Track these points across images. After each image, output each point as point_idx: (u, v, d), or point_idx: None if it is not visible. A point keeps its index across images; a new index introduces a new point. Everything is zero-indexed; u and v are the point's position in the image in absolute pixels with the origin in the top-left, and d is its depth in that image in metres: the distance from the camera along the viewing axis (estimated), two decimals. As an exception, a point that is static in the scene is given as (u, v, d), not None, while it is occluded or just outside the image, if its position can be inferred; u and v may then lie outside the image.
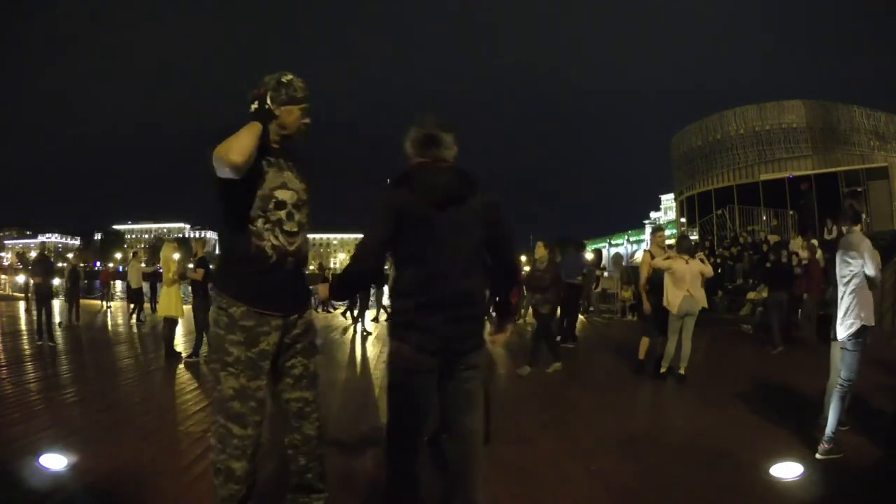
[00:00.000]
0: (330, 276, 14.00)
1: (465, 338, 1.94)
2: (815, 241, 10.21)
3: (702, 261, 5.82)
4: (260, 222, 2.01)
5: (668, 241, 6.44)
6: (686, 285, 5.59)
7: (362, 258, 1.90)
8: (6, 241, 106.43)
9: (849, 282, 3.36)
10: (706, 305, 5.82)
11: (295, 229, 2.09)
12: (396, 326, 1.93)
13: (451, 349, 1.90)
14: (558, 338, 8.40)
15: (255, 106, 2.02)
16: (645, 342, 6.14)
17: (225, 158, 1.82)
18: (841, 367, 3.39)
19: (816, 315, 8.50)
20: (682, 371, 5.64)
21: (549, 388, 5.52)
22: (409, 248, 1.89)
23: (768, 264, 9.35)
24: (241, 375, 1.98)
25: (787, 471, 2.99)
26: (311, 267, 23.45)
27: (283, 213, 2.06)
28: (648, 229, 52.96)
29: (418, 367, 1.87)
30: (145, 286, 13.42)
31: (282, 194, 2.06)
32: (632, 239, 50.29)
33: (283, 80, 2.08)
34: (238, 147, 1.85)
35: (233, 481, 1.98)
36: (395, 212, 1.85)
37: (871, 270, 3.31)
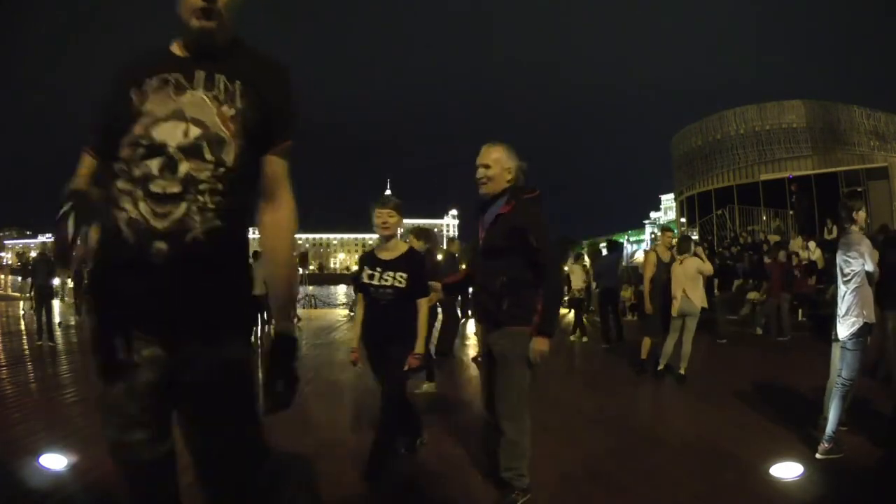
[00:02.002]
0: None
1: None
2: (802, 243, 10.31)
3: (700, 258, 5.79)
4: (120, 182, 1.26)
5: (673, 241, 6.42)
6: (681, 286, 5.58)
7: None
8: (6, 241, 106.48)
9: (850, 280, 3.37)
10: (706, 305, 5.81)
11: (175, 189, 1.23)
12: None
13: None
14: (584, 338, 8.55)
15: None
16: (647, 342, 6.14)
17: None
18: (842, 366, 3.39)
19: (776, 314, 9.04)
20: (681, 371, 5.63)
21: (548, 388, 5.51)
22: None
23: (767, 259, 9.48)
24: (108, 425, 1.30)
25: (787, 471, 2.98)
26: (312, 267, 21.08)
27: (154, 165, 1.24)
28: (649, 229, 53.03)
29: None
30: None
31: (161, 132, 1.24)
32: (632, 239, 50.28)
33: None
34: None
35: None
36: None
37: (871, 266, 3.34)
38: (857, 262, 3.36)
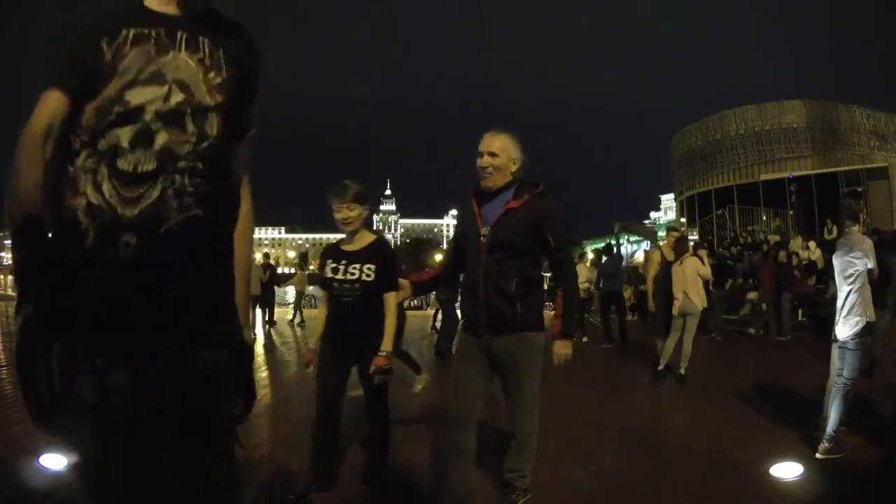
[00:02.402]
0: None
1: None
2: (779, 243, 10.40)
3: (701, 260, 5.80)
4: (80, 159, 1.00)
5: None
6: (682, 286, 5.59)
7: None
8: (6, 241, 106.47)
9: (854, 280, 3.38)
10: (706, 305, 5.81)
11: (149, 167, 1.00)
12: None
13: None
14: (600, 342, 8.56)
15: None
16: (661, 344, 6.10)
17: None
18: (842, 365, 3.39)
19: (774, 313, 9.21)
20: (682, 371, 5.63)
21: (549, 388, 5.51)
22: None
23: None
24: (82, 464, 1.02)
25: (787, 471, 2.99)
26: (312, 267, 19.22)
27: (125, 135, 1.00)
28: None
29: None
30: None
31: (137, 95, 1.02)
32: (632, 239, 50.30)
33: None
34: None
35: None
36: None
37: (872, 264, 3.38)
38: (860, 262, 3.37)
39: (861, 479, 3.07)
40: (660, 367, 5.75)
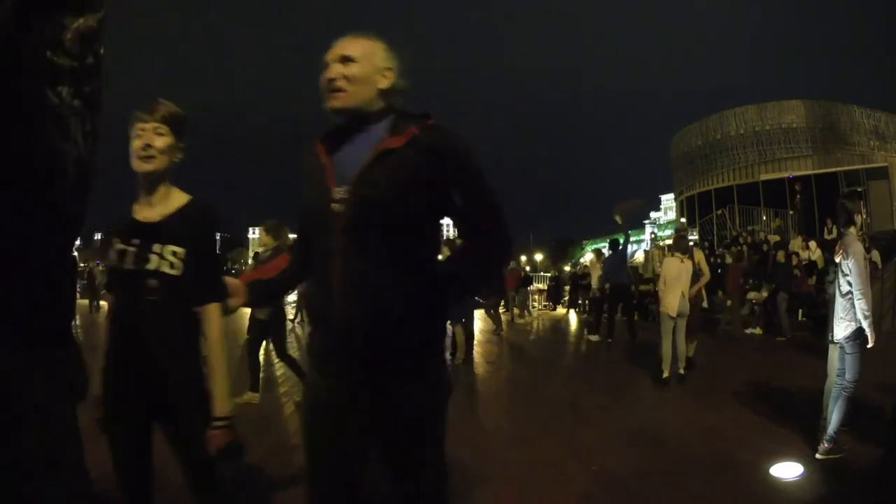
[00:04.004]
0: None
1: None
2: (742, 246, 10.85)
3: (700, 264, 5.82)
4: None
5: (667, 242, 6.50)
6: (681, 286, 5.60)
7: None
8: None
9: (848, 283, 3.37)
10: (706, 305, 5.82)
11: None
12: None
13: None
14: (609, 339, 8.66)
15: None
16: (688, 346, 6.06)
17: None
18: (841, 367, 3.39)
19: (739, 317, 9.86)
20: (681, 371, 5.63)
21: (549, 388, 5.52)
22: None
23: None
24: None
25: (787, 471, 2.99)
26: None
27: None
28: (649, 229, 52.99)
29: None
30: None
31: None
32: (632, 239, 50.18)
33: None
34: None
35: None
36: None
37: (854, 278, 3.29)
38: (853, 268, 3.36)
39: (861, 479, 3.07)
40: (664, 375, 5.61)
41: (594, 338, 9.07)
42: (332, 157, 1.36)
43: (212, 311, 1.57)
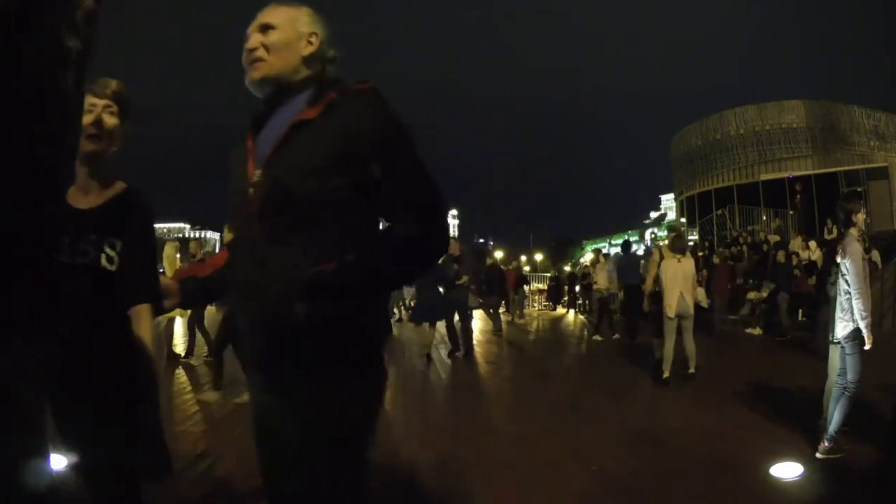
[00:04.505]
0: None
1: None
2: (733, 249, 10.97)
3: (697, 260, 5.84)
4: None
5: (664, 242, 6.54)
6: (679, 286, 5.60)
7: None
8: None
9: (847, 284, 3.38)
10: (705, 305, 5.83)
11: None
12: None
13: None
14: (616, 336, 8.69)
15: None
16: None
17: None
18: (842, 367, 3.39)
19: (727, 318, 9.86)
20: (691, 370, 5.64)
21: (549, 388, 5.52)
22: None
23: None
24: None
25: (787, 471, 2.99)
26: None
27: None
28: (649, 229, 53.02)
29: None
30: None
31: None
32: (632, 239, 50.27)
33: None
34: None
35: None
36: None
37: (851, 277, 3.32)
38: (852, 269, 3.37)
39: (861, 479, 3.07)
40: (665, 376, 5.57)
41: (598, 338, 9.09)
42: (257, 139, 1.24)
43: (142, 312, 1.42)
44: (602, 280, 9.67)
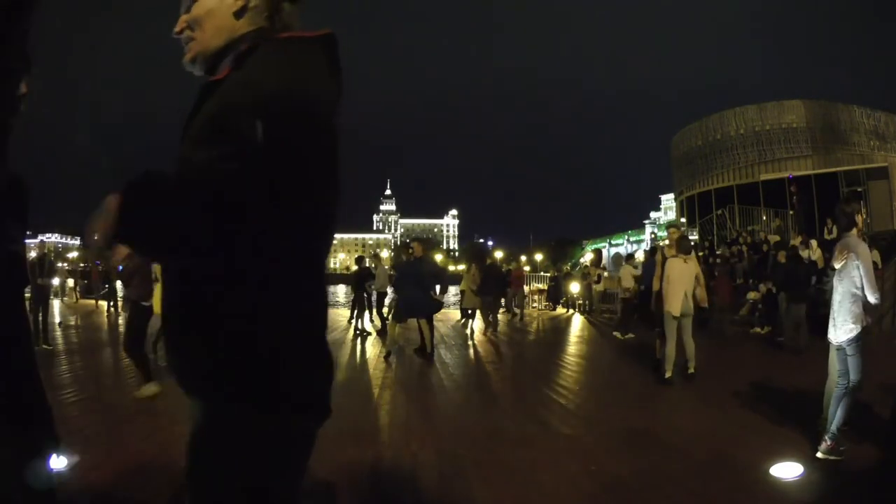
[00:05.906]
0: None
1: None
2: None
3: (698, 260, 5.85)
4: None
5: (665, 242, 6.53)
6: (684, 286, 5.61)
7: None
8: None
9: (849, 285, 3.38)
10: (706, 305, 5.84)
11: None
12: None
13: None
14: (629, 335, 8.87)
15: None
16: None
17: None
18: (841, 368, 3.39)
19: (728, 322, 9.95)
20: (691, 370, 5.64)
21: (549, 389, 5.51)
22: None
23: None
24: None
25: (787, 471, 2.99)
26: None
27: None
28: (648, 229, 53.08)
29: None
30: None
31: None
32: (632, 239, 50.30)
33: None
34: None
35: None
36: None
37: (865, 277, 3.33)
38: (855, 269, 3.37)
39: (861, 479, 3.07)
40: (667, 375, 5.56)
41: (630, 336, 9.17)
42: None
43: None
44: (627, 281, 9.89)
